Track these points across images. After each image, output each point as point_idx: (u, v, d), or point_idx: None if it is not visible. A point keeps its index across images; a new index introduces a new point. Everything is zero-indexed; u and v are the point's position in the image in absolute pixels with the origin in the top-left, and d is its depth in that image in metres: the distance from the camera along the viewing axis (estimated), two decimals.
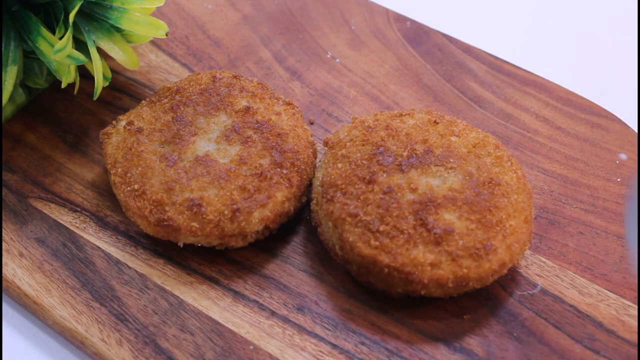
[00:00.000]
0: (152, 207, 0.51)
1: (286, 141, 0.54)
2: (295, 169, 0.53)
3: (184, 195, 0.51)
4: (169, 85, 0.58)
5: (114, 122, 0.57)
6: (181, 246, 0.52)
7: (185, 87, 0.57)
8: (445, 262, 0.48)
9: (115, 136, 0.55)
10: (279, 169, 0.52)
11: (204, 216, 0.50)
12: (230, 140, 0.54)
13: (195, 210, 0.50)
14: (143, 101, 0.58)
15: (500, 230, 0.49)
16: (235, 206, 0.51)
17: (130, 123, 0.55)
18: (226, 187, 0.51)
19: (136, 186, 0.52)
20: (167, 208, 0.51)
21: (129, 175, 0.53)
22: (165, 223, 0.51)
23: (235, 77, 0.58)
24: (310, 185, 0.55)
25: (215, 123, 0.55)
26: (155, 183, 0.52)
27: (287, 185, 0.52)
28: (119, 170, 0.53)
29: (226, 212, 0.51)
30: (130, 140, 0.54)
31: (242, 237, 0.52)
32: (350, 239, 0.49)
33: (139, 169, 0.53)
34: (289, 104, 0.57)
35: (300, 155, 0.54)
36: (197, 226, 0.51)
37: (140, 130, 0.55)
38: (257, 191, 0.51)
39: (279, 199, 0.52)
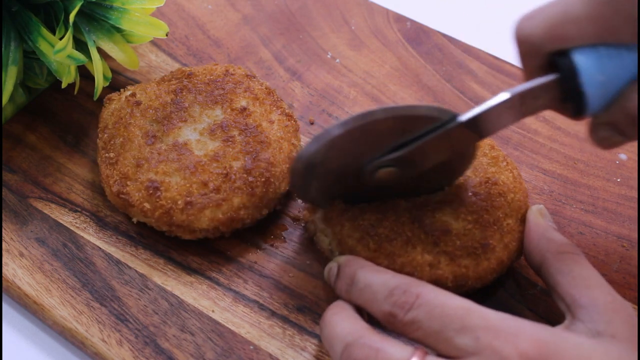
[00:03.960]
0: (118, 178, 0.53)
1: (265, 150, 0.53)
2: (263, 179, 0.52)
3: (148, 175, 0.52)
4: (184, 69, 0.59)
5: (121, 90, 0.58)
6: (135, 223, 0.53)
7: (197, 74, 0.58)
8: (443, 262, 0.48)
9: (116, 103, 0.57)
10: (245, 175, 0.52)
11: (157, 200, 0.51)
12: (214, 135, 0.54)
13: (151, 192, 0.51)
14: (157, 78, 0.59)
15: (497, 229, 0.49)
16: (189, 199, 0.51)
17: (132, 95, 0.56)
18: (189, 178, 0.52)
19: (112, 154, 0.54)
20: (129, 182, 0.52)
21: (111, 142, 0.54)
22: (122, 196, 0.52)
23: (247, 75, 0.58)
24: (277, 199, 0.54)
25: (208, 115, 0.55)
26: (129, 156, 0.53)
27: (248, 192, 0.52)
28: (105, 135, 0.55)
29: (179, 202, 0.51)
30: (125, 110, 0.56)
31: (189, 230, 0.52)
32: (349, 243, 0.49)
33: (121, 139, 0.54)
34: (288, 115, 0.56)
35: (273, 167, 0.53)
36: (149, 207, 0.51)
37: (138, 103, 0.56)
38: (216, 190, 0.51)
39: (235, 204, 0.51)
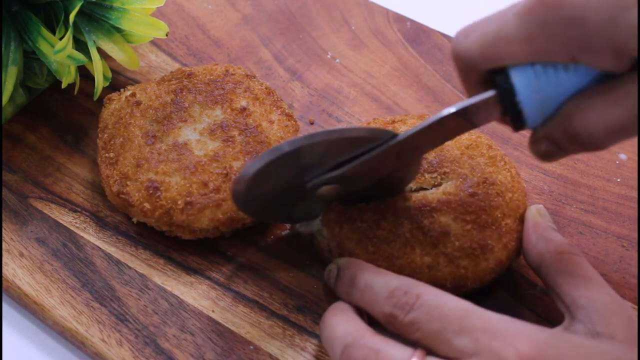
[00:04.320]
0: (118, 178, 0.53)
1: (265, 150, 0.53)
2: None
3: (148, 175, 0.52)
4: (184, 69, 0.59)
5: (122, 89, 0.58)
6: (135, 222, 0.54)
7: (197, 74, 0.58)
8: (442, 263, 0.48)
9: (116, 103, 0.57)
10: None
11: (158, 200, 0.51)
12: (214, 135, 0.54)
13: (151, 192, 0.51)
14: (157, 78, 0.59)
15: (495, 230, 0.49)
16: (189, 199, 0.51)
17: (132, 95, 0.57)
18: (189, 178, 0.52)
19: (112, 154, 0.54)
20: (129, 182, 0.52)
21: (111, 142, 0.54)
22: (122, 196, 0.52)
23: (247, 75, 0.58)
24: None
25: (208, 115, 0.55)
26: (129, 156, 0.53)
27: None
28: (105, 135, 0.55)
29: (179, 202, 0.51)
30: (125, 110, 0.56)
31: (189, 230, 0.52)
32: (348, 245, 0.49)
33: (121, 139, 0.54)
34: (288, 115, 0.56)
35: None
36: (149, 207, 0.51)
37: (138, 103, 0.56)
38: (216, 190, 0.51)
39: None
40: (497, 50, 0.41)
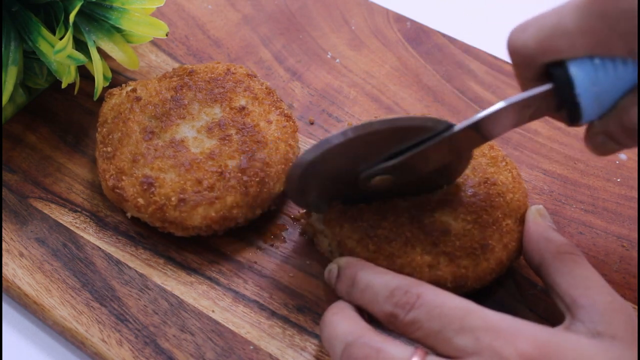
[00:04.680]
0: (114, 173, 0.53)
1: (261, 150, 0.53)
2: (257, 179, 0.52)
3: (144, 170, 0.52)
4: (186, 66, 0.59)
5: (123, 85, 0.58)
6: (129, 217, 0.54)
7: (199, 71, 0.58)
8: (443, 262, 0.48)
9: (117, 98, 0.57)
10: (240, 174, 0.52)
11: (151, 196, 0.51)
12: (211, 133, 0.54)
13: (145, 187, 0.51)
14: (158, 74, 0.59)
15: (496, 230, 0.49)
16: (182, 196, 0.51)
17: (133, 90, 0.57)
18: (183, 175, 0.52)
19: (109, 149, 0.54)
20: (124, 177, 0.52)
21: (110, 136, 0.55)
22: (117, 190, 0.52)
23: (248, 75, 0.58)
24: (272, 199, 0.54)
25: (206, 113, 0.55)
26: (126, 151, 0.53)
27: (241, 192, 0.51)
28: (104, 130, 0.55)
29: (173, 199, 0.51)
30: (125, 105, 0.56)
31: (182, 227, 0.52)
32: (349, 244, 0.49)
33: (119, 134, 0.54)
34: (287, 116, 0.56)
35: (269, 168, 0.53)
36: (142, 203, 0.51)
37: (138, 99, 0.56)
38: (210, 188, 0.51)
39: (228, 202, 0.51)
40: (555, 42, 0.42)
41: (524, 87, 0.45)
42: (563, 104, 0.43)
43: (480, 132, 0.45)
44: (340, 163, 0.46)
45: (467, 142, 0.47)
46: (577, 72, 0.42)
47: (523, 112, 0.44)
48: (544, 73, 0.44)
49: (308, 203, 0.50)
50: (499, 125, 0.45)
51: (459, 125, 0.45)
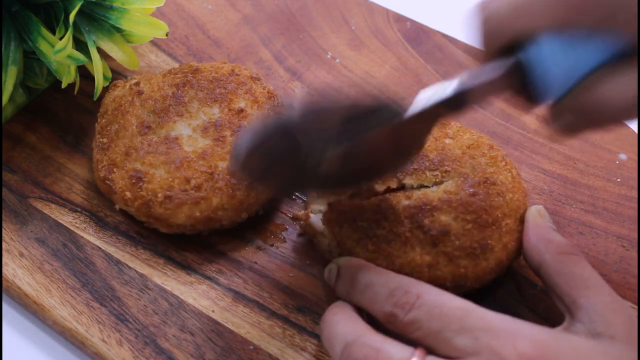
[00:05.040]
0: (107, 164, 0.53)
1: None
2: (246, 183, 0.52)
3: (135, 164, 0.52)
4: (192, 64, 0.59)
5: (128, 77, 0.59)
6: (117, 210, 0.54)
7: (203, 70, 0.58)
8: (442, 262, 0.48)
9: (119, 90, 0.57)
10: (228, 177, 0.52)
11: (139, 190, 0.51)
12: (206, 133, 0.54)
13: (134, 181, 0.52)
14: (164, 70, 0.60)
15: (496, 230, 0.49)
16: (169, 193, 0.51)
17: (137, 84, 0.57)
18: (173, 172, 0.52)
19: (105, 140, 0.54)
20: (115, 169, 0.53)
21: (107, 128, 0.55)
22: (107, 182, 0.53)
23: (252, 77, 0.58)
24: (259, 204, 0.53)
25: (205, 113, 0.55)
26: (120, 144, 0.53)
27: (228, 194, 0.51)
28: (103, 121, 0.56)
29: (159, 195, 0.51)
30: (127, 98, 0.56)
31: (167, 224, 0.52)
32: (348, 244, 0.49)
33: (117, 126, 0.55)
34: None
35: None
36: (129, 196, 0.52)
37: (140, 92, 0.56)
38: (197, 188, 0.51)
39: (214, 204, 0.51)
40: (527, 11, 0.41)
41: (489, 59, 0.44)
42: (527, 79, 0.42)
43: (438, 111, 0.44)
44: (285, 144, 0.44)
45: (422, 124, 0.45)
46: (546, 46, 0.41)
47: (485, 89, 0.43)
48: (510, 49, 0.43)
49: (260, 183, 0.48)
50: (459, 104, 0.44)
51: (412, 109, 0.43)
